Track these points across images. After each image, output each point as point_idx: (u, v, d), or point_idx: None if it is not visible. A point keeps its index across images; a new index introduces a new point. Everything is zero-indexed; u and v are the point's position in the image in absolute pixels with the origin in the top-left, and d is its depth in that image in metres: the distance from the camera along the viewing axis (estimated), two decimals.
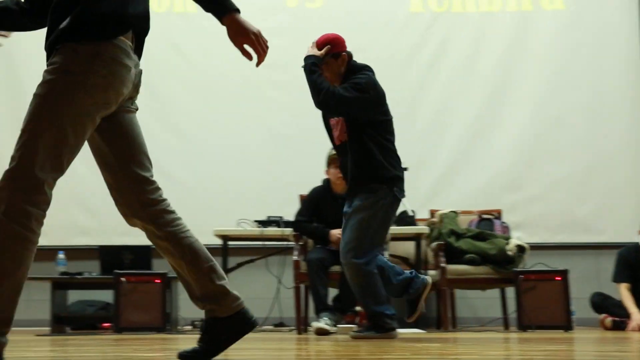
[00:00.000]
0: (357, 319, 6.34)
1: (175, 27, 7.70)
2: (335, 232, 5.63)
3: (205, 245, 7.03)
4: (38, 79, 2.28)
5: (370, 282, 4.39)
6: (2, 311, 2.09)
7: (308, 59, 4.45)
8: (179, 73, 7.84)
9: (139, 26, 2.39)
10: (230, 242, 6.24)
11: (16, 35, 3.17)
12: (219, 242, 6.20)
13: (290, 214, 6.12)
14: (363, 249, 4.32)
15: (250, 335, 5.05)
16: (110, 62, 2.22)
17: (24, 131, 2.15)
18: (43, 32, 2.58)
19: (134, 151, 2.46)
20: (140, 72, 2.51)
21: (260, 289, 6.86)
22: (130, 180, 2.43)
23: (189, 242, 2.49)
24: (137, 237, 6.97)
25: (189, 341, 4.73)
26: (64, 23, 2.25)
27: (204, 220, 6.63)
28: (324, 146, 6.26)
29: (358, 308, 6.32)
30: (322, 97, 4.28)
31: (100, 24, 2.27)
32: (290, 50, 7.48)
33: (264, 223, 6.16)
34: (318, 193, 6.00)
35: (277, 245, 6.43)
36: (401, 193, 4.50)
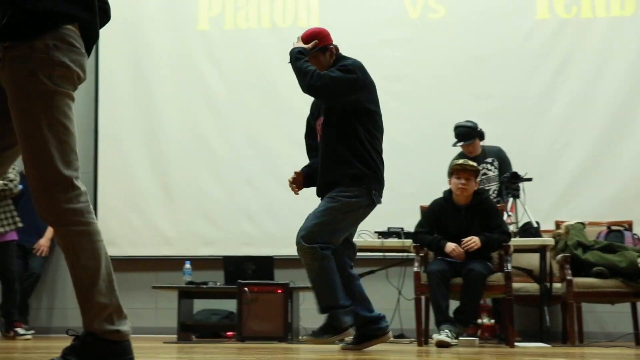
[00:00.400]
0: (479, 331, 6.31)
1: None
2: (452, 245, 5.55)
3: None
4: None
5: (324, 269, 4.17)
6: (114, 303, 2.19)
7: (293, 49, 4.31)
8: (299, 87, 7.83)
9: (83, 19, 2.34)
10: (360, 253, 6.13)
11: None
12: None
13: (411, 226, 6.02)
14: (319, 236, 4.13)
15: (373, 346, 5.00)
16: (68, 51, 2.22)
17: (30, 147, 2.18)
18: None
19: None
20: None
21: (380, 300, 6.56)
22: None
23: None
24: (260, 247, 6.92)
25: (310, 351, 4.88)
26: (5, 20, 2.22)
27: None
28: (446, 157, 6.42)
29: (480, 320, 6.30)
30: (309, 79, 4.12)
31: (44, 16, 2.25)
32: (410, 61, 7.63)
33: (384, 234, 6.11)
34: (439, 204, 5.84)
35: (398, 256, 6.36)
36: (378, 198, 4.33)
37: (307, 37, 4.36)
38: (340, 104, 4.23)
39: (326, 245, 4.16)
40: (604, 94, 7.32)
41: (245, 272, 6.35)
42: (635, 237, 6.30)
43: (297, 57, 4.22)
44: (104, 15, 2.58)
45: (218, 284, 6.48)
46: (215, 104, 7.93)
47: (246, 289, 5.92)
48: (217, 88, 7.91)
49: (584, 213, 6.78)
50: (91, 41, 2.44)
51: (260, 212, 7.57)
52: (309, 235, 4.13)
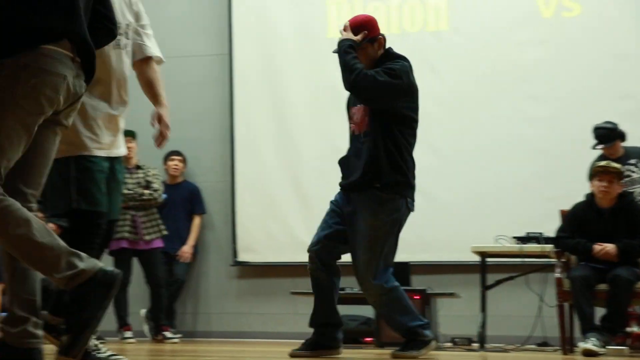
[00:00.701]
0: (629, 340, 5.97)
1: (427, 46, 7.69)
2: (598, 246, 5.34)
3: (463, 262, 6.76)
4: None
5: (396, 297, 4.11)
6: (62, 249, 2.17)
7: (343, 41, 4.10)
8: (433, 92, 7.58)
9: (76, 36, 2.30)
10: (488, 259, 6.14)
11: None
12: (477, 258, 6.16)
13: (550, 231, 5.91)
14: (379, 268, 4.02)
15: (512, 353, 5.17)
16: (38, 72, 2.19)
17: None
18: None
19: (28, 168, 2.42)
20: (83, 85, 2.45)
21: (521, 307, 6.76)
22: (11, 192, 2.35)
23: None
24: (404, 252, 6.88)
25: (449, 357, 4.89)
26: None
27: (461, 238, 6.87)
28: (586, 158, 6.28)
29: (629, 329, 5.97)
30: (354, 77, 3.95)
31: (19, 35, 2.24)
32: (546, 62, 7.40)
33: (522, 239, 6.01)
34: (581, 208, 5.70)
35: (538, 262, 6.23)
36: (413, 205, 4.17)
37: (355, 25, 4.16)
38: (380, 107, 4.09)
39: (387, 275, 4.09)
40: None
41: None
42: None
43: (346, 51, 4.05)
44: (109, 34, 2.60)
45: (355, 290, 6.25)
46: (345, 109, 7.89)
47: None
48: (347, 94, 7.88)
49: None
50: (86, 58, 2.42)
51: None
52: (368, 273, 4.05)
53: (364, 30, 4.10)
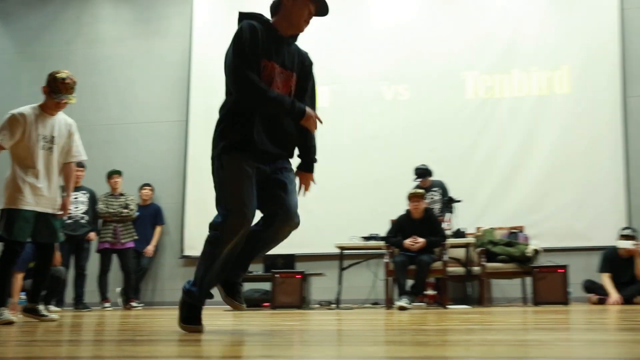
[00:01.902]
0: (427, 299, 7.28)
1: None
2: (407, 241, 6.49)
3: (327, 253, 8.16)
4: None
5: None
6: None
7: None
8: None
9: None
10: (345, 251, 7.26)
11: None
12: (338, 251, 7.32)
13: (384, 232, 7.07)
14: None
15: (356, 310, 5.98)
16: None
17: None
18: None
19: None
20: None
21: (364, 280, 7.91)
22: None
23: None
24: (286, 248, 7.24)
25: (317, 314, 5.36)
26: None
27: (328, 237, 7.83)
28: (409, 186, 7.29)
29: (426, 292, 7.27)
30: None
31: None
32: (388, 124, 8.48)
33: (367, 238, 7.16)
34: (402, 218, 6.80)
35: (375, 252, 7.31)
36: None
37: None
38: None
39: None
40: (508, 143, 8.46)
41: (276, 264, 7.42)
42: (525, 236, 7.46)
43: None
44: None
45: (259, 272, 7.54)
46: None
47: (277, 275, 6.96)
48: None
49: (494, 221, 7.87)
50: None
51: None
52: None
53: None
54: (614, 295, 6.97)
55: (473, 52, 8.73)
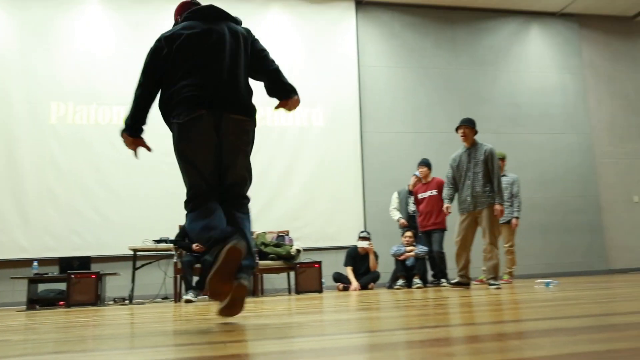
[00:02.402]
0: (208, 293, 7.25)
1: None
2: (194, 246, 6.27)
3: (122, 255, 7.79)
4: None
5: None
6: None
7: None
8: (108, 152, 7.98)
9: None
10: (138, 252, 6.97)
11: None
12: (131, 252, 7.03)
13: (173, 236, 6.88)
14: None
15: (149, 304, 5.49)
16: None
17: None
18: None
19: None
20: None
21: (155, 278, 7.77)
22: None
23: None
24: (83, 251, 7.63)
25: (111, 310, 5.07)
26: None
27: (123, 239, 7.67)
28: None
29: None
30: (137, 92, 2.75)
31: None
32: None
33: (158, 241, 6.93)
34: None
35: (166, 253, 7.13)
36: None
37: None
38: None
39: None
40: (271, 169, 8.46)
41: (73, 265, 6.83)
42: (290, 238, 7.63)
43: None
44: None
45: (55, 273, 6.83)
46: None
47: (73, 275, 6.43)
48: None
49: (265, 227, 8.01)
50: None
51: (84, 229, 7.85)
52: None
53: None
54: (354, 283, 7.31)
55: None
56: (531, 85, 10.19)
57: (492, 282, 5.55)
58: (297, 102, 2.93)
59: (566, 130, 10.18)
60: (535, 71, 10.27)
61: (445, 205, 5.99)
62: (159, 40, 2.78)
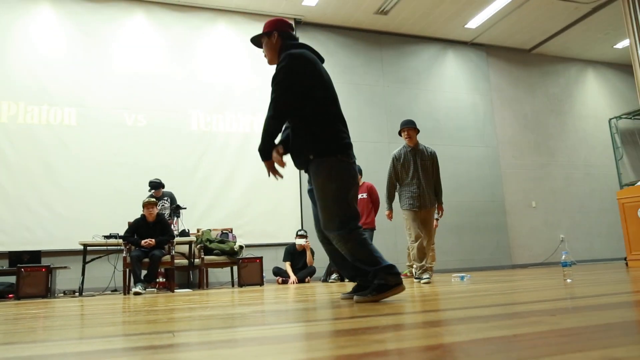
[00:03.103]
0: (158, 285, 6.92)
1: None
2: (143, 241, 6.15)
3: (72, 249, 7.31)
4: None
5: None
6: None
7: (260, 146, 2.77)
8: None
9: None
10: (88, 247, 6.65)
11: None
12: (81, 247, 6.70)
13: (122, 232, 6.68)
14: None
15: (98, 297, 5.26)
16: None
17: None
18: None
19: None
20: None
21: (105, 271, 7.48)
22: None
23: None
24: (34, 245, 7.22)
25: (62, 302, 4.83)
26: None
27: (74, 234, 7.36)
28: (142, 196, 7.04)
29: (159, 279, 6.91)
30: (267, 122, 2.68)
31: None
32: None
33: (107, 237, 6.69)
34: (138, 220, 6.50)
35: (115, 248, 6.85)
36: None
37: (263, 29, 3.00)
38: (288, 115, 2.76)
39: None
40: (216, 171, 8.29)
41: (23, 259, 6.54)
42: (233, 235, 7.41)
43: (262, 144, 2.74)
44: None
45: (4, 267, 6.51)
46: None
47: (22, 269, 6.15)
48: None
49: (210, 224, 7.94)
50: None
51: (35, 225, 7.53)
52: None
53: (267, 29, 2.98)
54: (292, 277, 7.29)
55: (197, 95, 8.66)
56: (447, 103, 10.46)
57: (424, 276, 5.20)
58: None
59: (477, 143, 10.50)
60: (450, 91, 10.58)
61: (387, 212, 5.48)
62: (307, 60, 2.74)
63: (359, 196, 7.39)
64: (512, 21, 10.21)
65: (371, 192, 7.25)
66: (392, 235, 9.07)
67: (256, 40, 2.98)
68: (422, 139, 10.03)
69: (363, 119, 9.69)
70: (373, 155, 9.37)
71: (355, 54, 9.91)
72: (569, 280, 3.91)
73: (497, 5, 9.58)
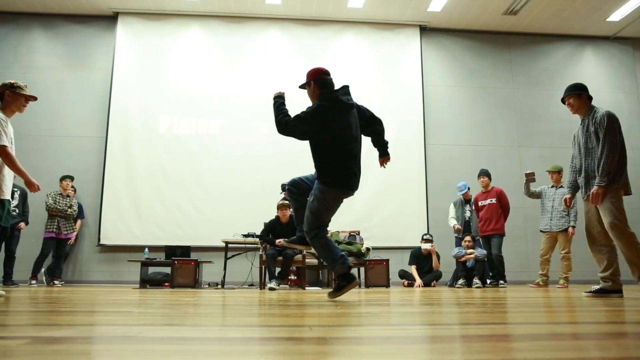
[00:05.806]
0: (290, 282, 7.11)
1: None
2: (277, 241, 6.23)
3: (216, 246, 7.76)
4: None
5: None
6: None
7: (275, 98, 3.50)
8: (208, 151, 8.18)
9: None
10: (229, 244, 6.94)
11: None
12: (224, 244, 7.02)
13: (259, 231, 6.88)
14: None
15: (237, 289, 5.53)
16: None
17: None
18: None
19: None
20: None
21: (243, 267, 7.86)
22: None
23: None
24: (185, 241, 7.70)
25: (208, 292, 5.10)
26: None
27: (217, 233, 7.79)
28: (276, 199, 7.10)
29: (290, 276, 7.10)
30: (276, 122, 3.41)
31: None
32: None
33: (246, 235, 6.90)
34: (272, 221, 6.67)
35: (253, 246, 7.12)
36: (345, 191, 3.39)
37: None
38: (290, 136, 3.41)
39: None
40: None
41: (176, 253, 6.96)
42: (360, 237, 7.43)
43: (275, 104, 3.47)
44: None
45: (162, 259, 6.98)
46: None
47: (176, 261, 6.58)
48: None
49: (339, 226, 7.67)
50: None
51: (185, 223, 8.15)
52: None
53: (307, 79, 3.49)
54: (418, 280, 7.18)
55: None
56: None
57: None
58: None
59: None
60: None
61: (566, 196, 4.44)
62: (317, 114, 3.40)
63: (488, 201, 7.08)
64: None
65: (500, 197, 6.90)
66: (522, 242, 8.57)
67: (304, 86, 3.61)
68: (557, 143, 9.30)
69: (492, 123, 9.30)
70: (503, 159, 8.93)
71: (482, 57, 9.57)
72: None
73: None
